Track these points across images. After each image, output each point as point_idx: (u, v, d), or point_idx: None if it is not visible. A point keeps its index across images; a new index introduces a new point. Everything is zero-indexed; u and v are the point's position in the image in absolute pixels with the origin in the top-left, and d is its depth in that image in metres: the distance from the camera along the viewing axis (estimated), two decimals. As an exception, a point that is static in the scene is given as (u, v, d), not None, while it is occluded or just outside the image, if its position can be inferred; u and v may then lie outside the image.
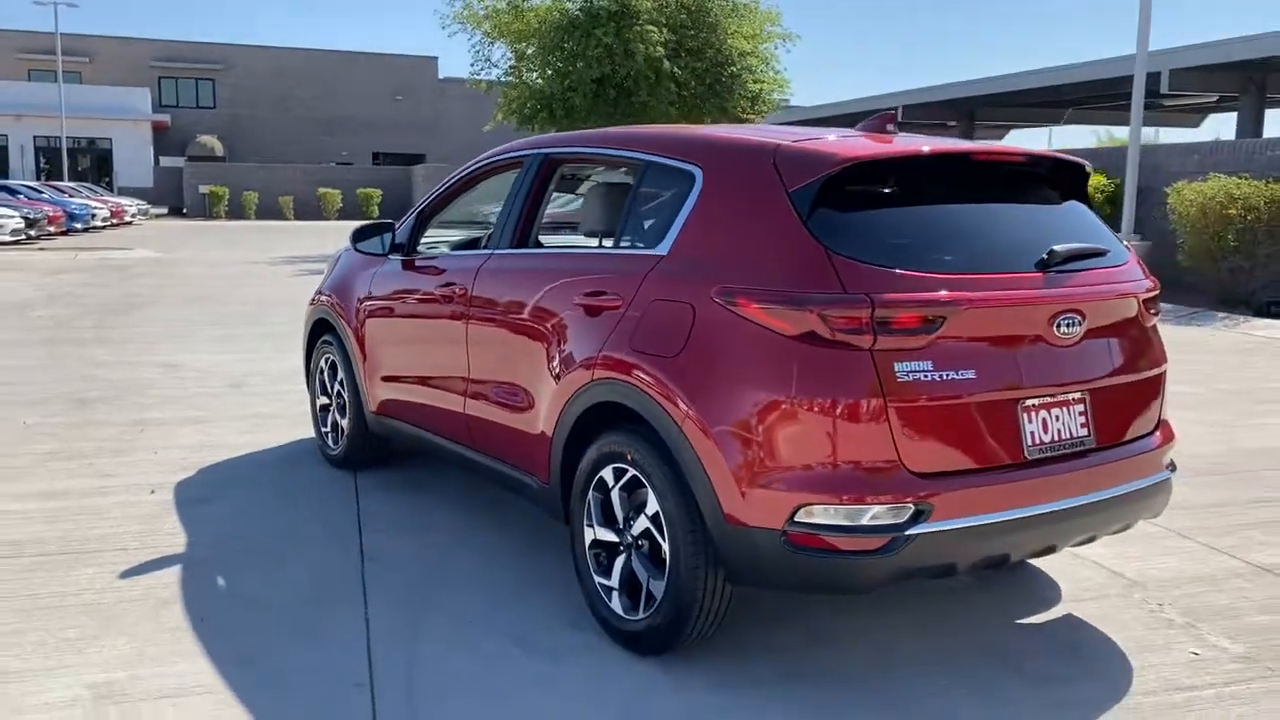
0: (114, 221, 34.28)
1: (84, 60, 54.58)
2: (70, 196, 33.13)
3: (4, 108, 48.02)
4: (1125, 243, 3.69)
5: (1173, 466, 3.63)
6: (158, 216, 43.04)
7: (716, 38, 22.70)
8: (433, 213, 4.98)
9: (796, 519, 2.94)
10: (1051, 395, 3.20)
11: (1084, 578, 4.21)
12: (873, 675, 3.35)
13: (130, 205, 37.65)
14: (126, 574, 4.07)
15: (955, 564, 3.11)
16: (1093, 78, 21.78)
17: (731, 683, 3.27)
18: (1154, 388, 3.55)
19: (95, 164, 51.23)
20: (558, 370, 3.72)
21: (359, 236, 4.97)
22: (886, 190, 3.27)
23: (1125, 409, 3.44)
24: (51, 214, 28.00)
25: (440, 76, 59.76)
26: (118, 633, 3.54)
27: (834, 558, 2.95)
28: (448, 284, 4.51)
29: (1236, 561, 4.41)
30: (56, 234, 28.09)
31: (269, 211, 44.13)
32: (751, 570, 3.09)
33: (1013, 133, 35.64)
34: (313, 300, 5.77)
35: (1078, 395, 3.27)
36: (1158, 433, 3.56)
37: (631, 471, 3.37)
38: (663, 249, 3.45)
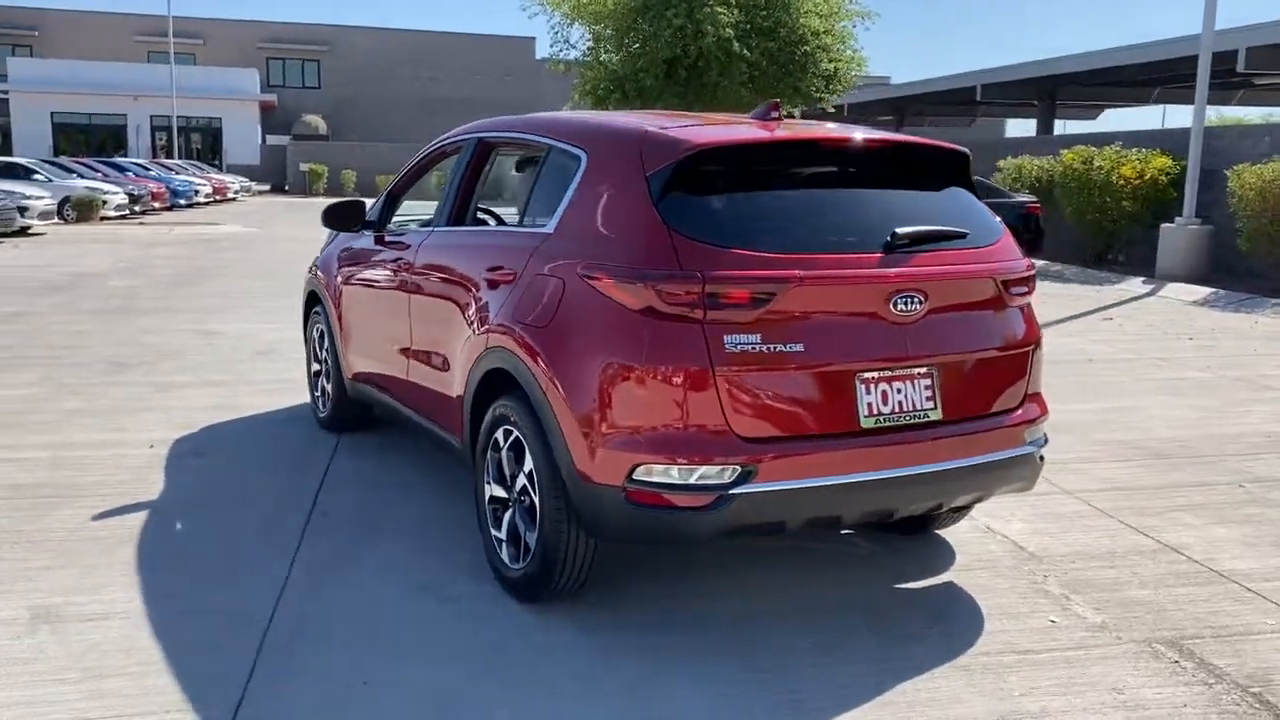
0: (216, 197, 35.81)
1: (198, 42, 56.89)
2: (175, 174, 34.73)
3: (123, 89, 50.32)
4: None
5: (1044, 441, 3.77)
6: (261, 193, 44.75)
7: (789, 17, 22.65)
8: (400, 191, 5.34)
9: (635, 477, 3.20)
10: (891, 369, 3.38)
11: (984, 549, 4.36)
12: (731, 624, 3.59)
13: (233, 182, 39.25)
14: (99, 516, 4.54)
15: (783, 522, 3.34)
16: (1174, 55, 21.07)
17: (595, 627, 3.55)
18: (1017, 365, 3.69)
19: (206, 142, 53.36)
20: (466, 338, 4.04)
21: (329, 214, 5.34)
22: (736, 175, 3.50)
23: (978, 385, 3.60)
24: (155, 190, 29.47)
25: (537, 57, 60.55)
26: (71, 565, 3.99)
27: (667, 513, 3.20)
28: (397, 259, 4.87)
29: (1148, 540, 4.49)
30: (160, 209, 29.54)
31: (366, 189, 45.43)
32: (600, 524, 3.36)
33: (1106, 112, 34.60)
34: (308, 272, 6.20)
35: (923, 370, 3.45)
36: (1021, 409, 3.70)
37: (515, 433, 3.67)
38: (549, 227, 3.73)
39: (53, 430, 5.96)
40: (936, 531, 4.50)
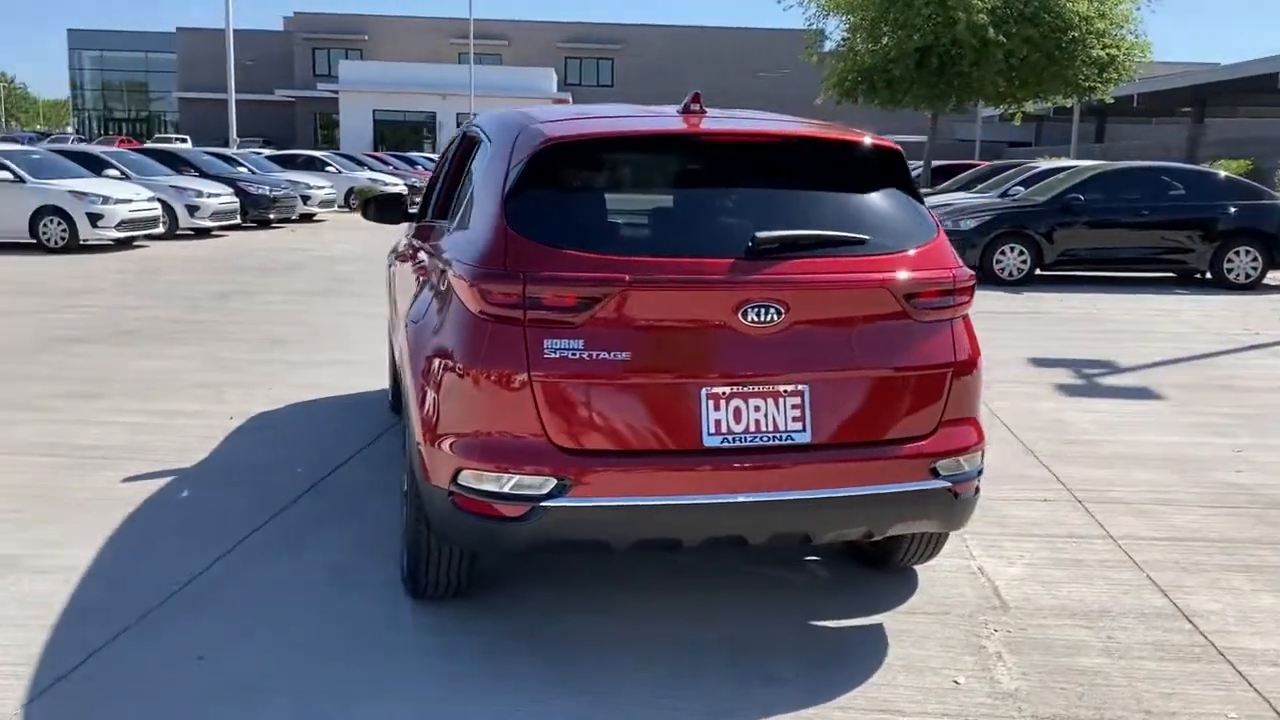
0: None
1: (503, 43, 60.74)
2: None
3: (433, 87, 54.46)
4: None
5: (968, 475, 3.32)
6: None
7: (1055, 1, 21.03)
8: (432, 184, 5.45)
9: (459, 481, 3.11)
10: (748, 385, 3.08)
11: (952, 592, 3.90)
12: (600, 645, 3.41)
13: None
14: (128, 479, 4.98)
15: (607, 541, 3.13)
16: None
17: (473, 629, 3.49)
18: (924, 388, 3.26)
19: (504, 138, 56.70)
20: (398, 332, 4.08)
21: (368, 208, 5.53)
22: (593, 171, 3.30)
23: (865, 408, 3.21)
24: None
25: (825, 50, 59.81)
26: (61, 522, 4.40)
27: (484, 521, 3.09)
28: (413, 248, 4.98)
29: (1162, 602, 3.84)
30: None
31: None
32: (436, 527, 3.29)
33: None
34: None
35: (791, 388, 3.12)
36: (931, 438, 3.27)
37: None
38: (455, 221, 3.70)
39: (165, 398, 6.58)
40: (914, 567, 4.07)
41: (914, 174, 25.26)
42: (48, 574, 3.87)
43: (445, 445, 3.15)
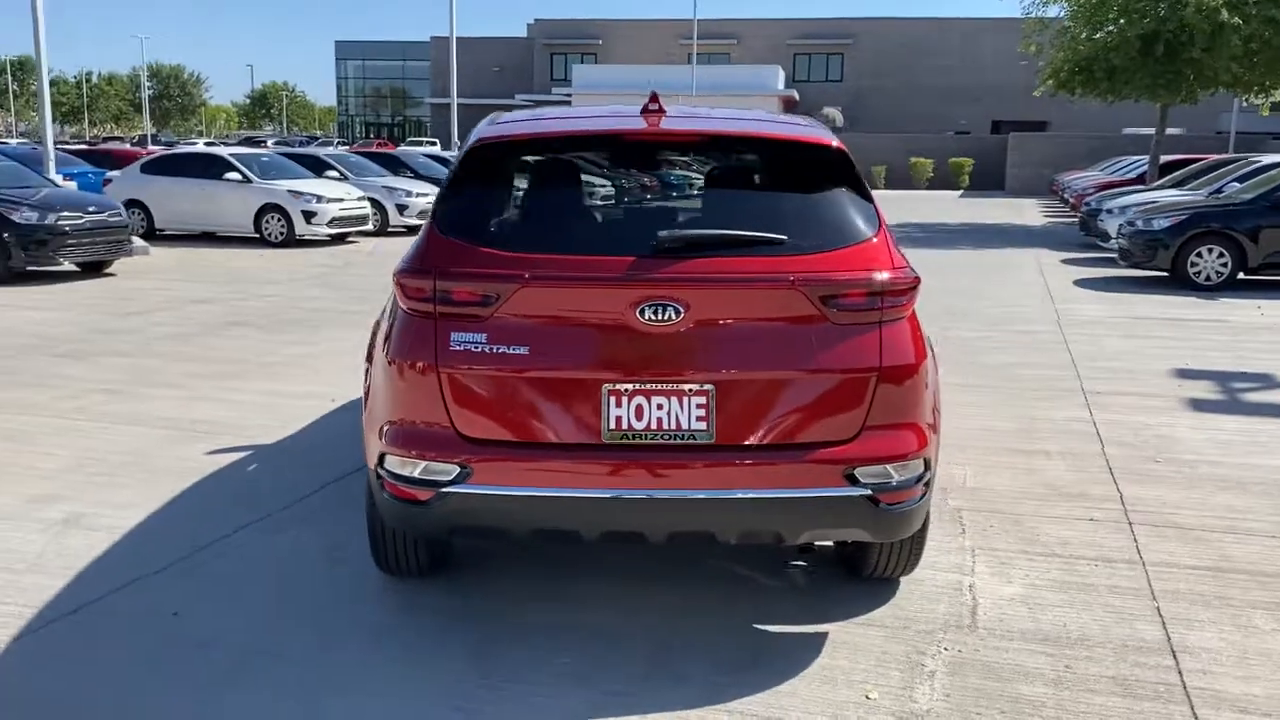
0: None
1: (731, 42, 61.01)
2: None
3: (660, 88, 54.63)
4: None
5: (900, 484, 3.19)
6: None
7: (1304, -22, 19.02)
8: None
9: (385, 466, 3.30)
10: (650, 383, 3.10)
11: (922, 608, 3.74)
12: (526, 633, 3.52)
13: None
14: (211, 451, 5.49)
15: (507, 529, 3.22)
16: None
17: (428, 608, 3.69)
18: (844, 392, 3.15)
19: (729, 136, 56.95)
20: None
21: None
22: (521, 170, 3.38)
23: (776, 410, 3.14)
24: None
25: (1069, 38, 56.47)
26: (137, 486, 4.92)
27: (401, 504, 3.26)
28: None
29: (1156, 635, 3.54)
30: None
31: (862, 180, 45.79)
32: (376, 509, 3.48)
33: None
34: None
35: (696, 387, 3.11)
36: (851, 444, 3.16)
37: None
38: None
39: (282, 380, 7.18)
40: (900, 578, 3.93)
41: (1137, 170, 23.43)
42: (97, 531, 4.36)
43: (376, 432, 3.35)
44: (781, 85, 56.43)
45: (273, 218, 16.59)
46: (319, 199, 16.66)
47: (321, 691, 3.14)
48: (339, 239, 17.41)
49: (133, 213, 17.48)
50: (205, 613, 3.64)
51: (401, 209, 19.03)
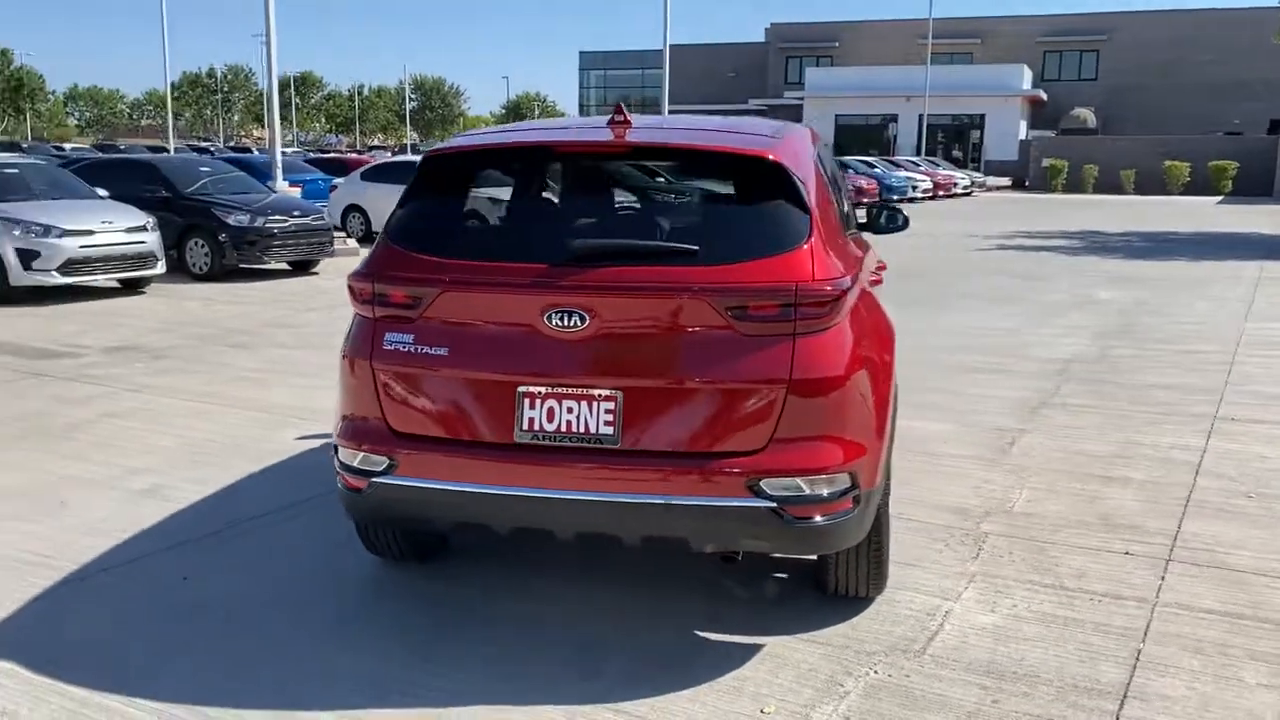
0: (937, 193, 37.10)
1: (974, 41, 58.79)
2: (899, 170, 36.74)
3: (896, 90, 54.13)
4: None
5: (813, 498, 3.14)
6: (997, 189, 44.98)
7: None
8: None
9: (337, 455, 3.56)
10: (561, 387, 3.20)
11: (880, 630, 3.63)
12: (465, 623, 3.70)
13: (962, 177, 40.16)
14: (302, 437, 5.98)
15: (430, 519, 3.39)
16: None
17: (415, 591, 3.95)
18: (752, 403, 3.13)
19: (967, 139, 54.93)
20: None
21: None
22: (465, 180, 3.54)
23: (682, 417, 3.16)
24: (865, 186, 31.75)
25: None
26: (219, 465, 5.45)
27: (348, 492, 3.51)
28: None
29: (1120, 679, 3.28)
30: (866, 204, 31.64)
31: (1108, 185, 43.02)
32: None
33: None
34: None
35: (606, 393, 3.18)
36: (760, 455, 3.13)
37: None
38: None
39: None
40: (874, 597, 3.83)
41: None
42: (167, 502, 4.88)
43: (335, 424, 3.62)
44: (1027, 85, 53.79)
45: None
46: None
47: (288, 651, 3.43)
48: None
49: (353, 217, 18.97)
50: (216, 579, 4.02)
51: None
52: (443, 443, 3.32)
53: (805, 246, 3.23)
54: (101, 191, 12.72)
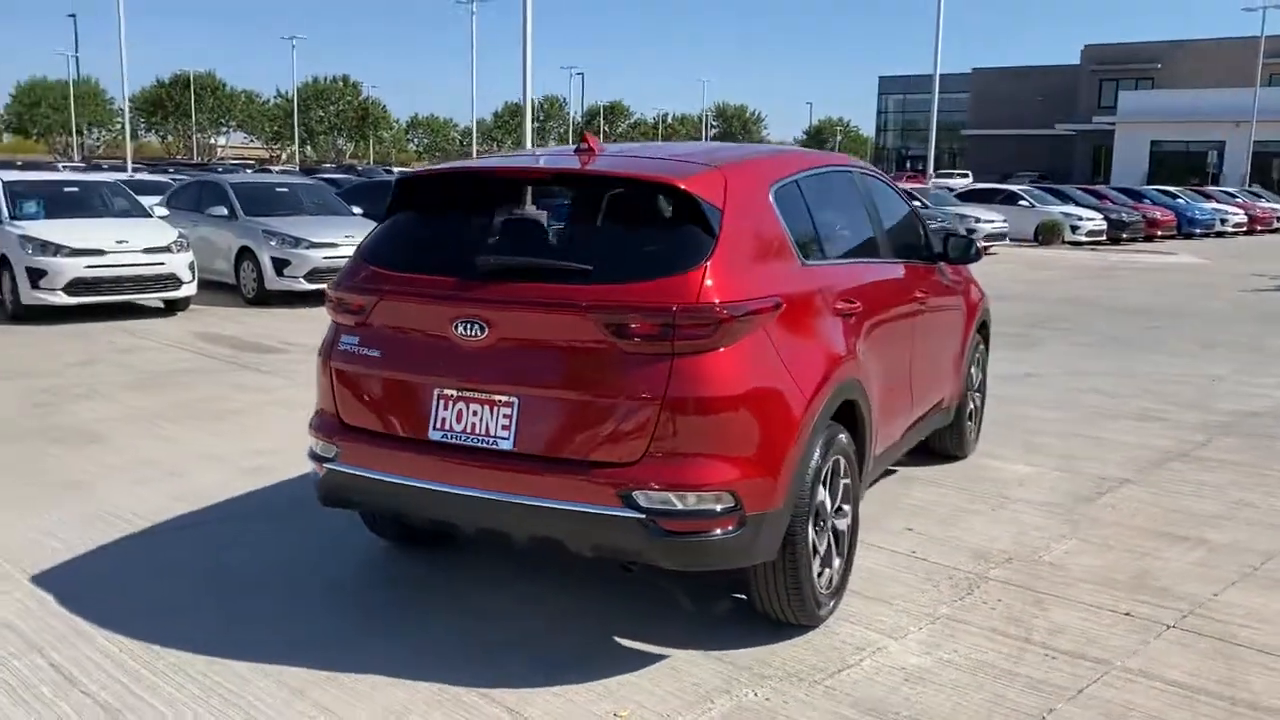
0: (1254, 228, 33.61)
1: (1328, 60, 52.59)
2: (1207, 201, 33.55)
3: (1223, 114, 49.39)
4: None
5: (689, 513, 3.25)
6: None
7: None
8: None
9: (310, 445, 4.01)
10: (468, 391, 3.48)
11: (796, 655, 3.62)
12: (425, 608, 4.03)
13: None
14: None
15: (368, 505, 3.75)
16: None
17: (386, 575, 4.37)
18: (627, 416, 3.27)
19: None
20: None
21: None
22: (423, 202, 3.89)
23: (567, 426, 3.36)
24: (1159, 217, 29.36)
25: None
26: (286, 447, 6.10)
27: (316, 477, 3.94)
28: None
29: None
30: (1157, 237, 29.18)
31: None
32: None
33: None
34: None
35: (506, 399, 3.42)
36: (634, 467, 3.26)
37: None
38: None
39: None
40: (805, 624, 3.80)
41: None
42: (261, 479, 5.57)
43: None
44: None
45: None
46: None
47: (271, 615, 3.94)
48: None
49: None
50: (234, 550, 4.59)
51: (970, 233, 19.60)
52: (376, 436, 3.69)
53: (698, 270, 3.33)
54: (356, 209, 14.22)
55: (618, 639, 3.75)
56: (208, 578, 4.26)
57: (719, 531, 3.29)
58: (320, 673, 3.45)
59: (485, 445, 3.46)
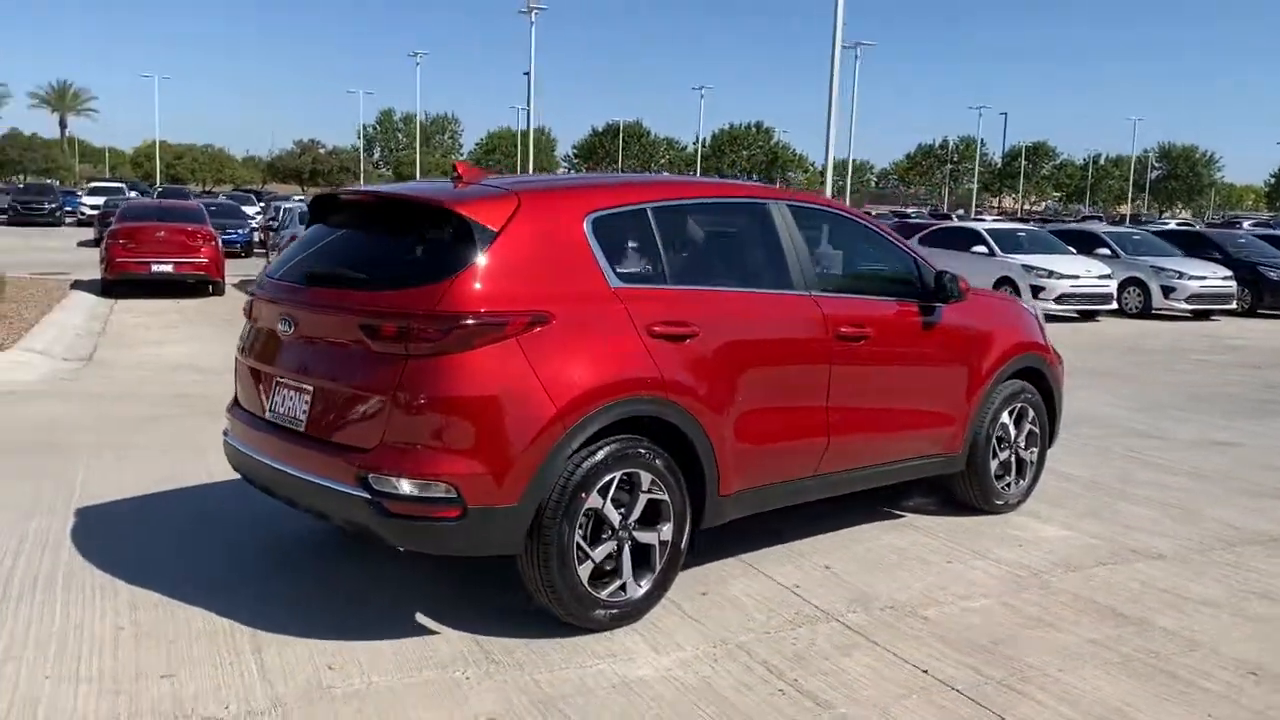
0: None
1: None
2: None
3: None
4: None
5: (412, 496, 3.66)
6: None
7: None
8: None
9: None
10: (284, 378, 4.14)
11: (688, 675, 3.71)
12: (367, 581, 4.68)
13: None
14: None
15: (240, 472, 4.48)
16: None
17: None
18: (369, 407, 3.76)
19: None
20: None
21: None
22: (312, 220, 4.60)
23: (335, 413, 3.91)
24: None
25: None
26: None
27: None
28: None
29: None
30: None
31: None
32: None
33: None
34: None
35: (307, 387, 4.02)
36: (372, 453, 3.70)
37: None
38: None
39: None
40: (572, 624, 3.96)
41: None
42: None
43: None
44: None
45: (1131, 290, 18.40)
46: (1050, 274, 16.73)
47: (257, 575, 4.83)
48: (1200, 316, 18.53)
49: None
50: (246, 526, 5.47)
51: (1168, 291, 17.77)
52: (242, 411, 4.47)
53: (444, 282, 3.70)
54: (1071, 249, 18.34)
55: (419, 615, 4.13)
56: (183, 542, 5.21)
57: (440, 519, 3.64)
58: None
59: (290, 426, 4.09)
